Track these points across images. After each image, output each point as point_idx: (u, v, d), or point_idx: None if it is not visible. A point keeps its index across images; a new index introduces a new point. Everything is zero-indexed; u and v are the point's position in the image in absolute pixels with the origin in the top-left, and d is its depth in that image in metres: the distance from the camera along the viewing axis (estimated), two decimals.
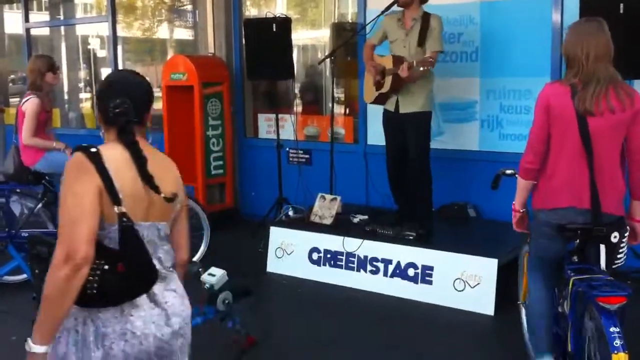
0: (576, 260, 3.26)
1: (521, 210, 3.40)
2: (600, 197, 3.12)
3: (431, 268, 5.05)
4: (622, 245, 3.22)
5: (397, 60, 5.29)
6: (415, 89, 5.37)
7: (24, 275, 5.36)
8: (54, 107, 5.83)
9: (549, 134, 3.18)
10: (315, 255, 5.61)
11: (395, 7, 5.45)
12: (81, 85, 10.16)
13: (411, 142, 5.42)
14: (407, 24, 5.39)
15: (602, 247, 3.17)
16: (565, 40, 3.23)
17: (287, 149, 7.15)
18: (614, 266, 3.21)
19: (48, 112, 5.56)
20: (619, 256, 3.24)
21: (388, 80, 5.38)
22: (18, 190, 5.52)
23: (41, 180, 5.47)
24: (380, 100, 5.55)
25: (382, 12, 5.53)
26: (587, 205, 3.14)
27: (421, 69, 5.07)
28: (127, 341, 2.04)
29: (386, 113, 5.61)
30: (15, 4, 10.43)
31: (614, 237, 3.15)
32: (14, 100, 10.37)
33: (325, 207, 5.83)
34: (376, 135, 6.07)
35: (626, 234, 3.23)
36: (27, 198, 5.53)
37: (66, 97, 10.22)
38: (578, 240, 3.21)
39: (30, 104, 5.36)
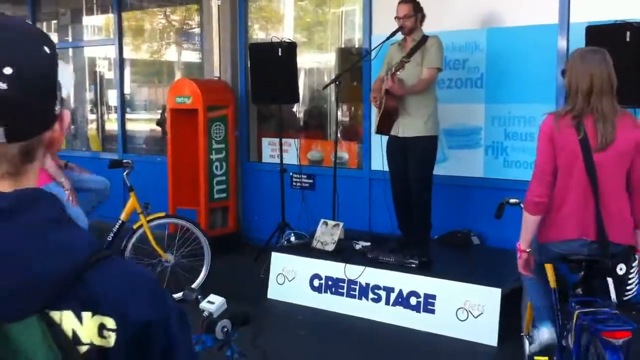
0: (580, 292, 3.19)
1: (527, 250, 3.31)
2: (606, 228, 3.07)
3: (434, 297, 4.98)
4: (630, 277, 3.16)
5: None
6: (413, 112, 5.35)
7: None
8: None
9: (555, 164, 3.14)
10: (316, 282, 5.55)
11: (398, 36, 5.46)
12: (88, 106, 10.18)
13: (412, 166, 5.39)
14: (407, 48, 5.40)
15: (610, 280, 3.10)
16: (568, 70, 3.19)
17: (291, 173, 7.11)
18: (624, 298, 3.14)
19: None
20: (628, 288, 3.17)
21: (383, 99, 5.38)
22: None
23: None
24: (382, 127, 5.49)
25: (387, 39, 5.52)
26: (593, 236, 3.09)
27: (398, 73, 5.08)
28: None
29: (389, 137, 5.58)
30: None
31: (620, 269, 3.09)
32: None
33: (327, 233, 5.78)
34: (380, 160, 6.03)
35: (634, 264, 3.17)
36: None
37: (72, 118, 10.23)
38: (582, 272, 3.16)
39: None
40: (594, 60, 3.09)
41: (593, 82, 3.04)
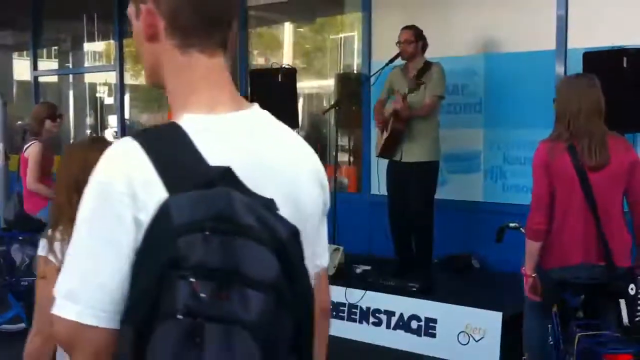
0: (581, 316, 3.20)
1: (533, 275, 3.32)
2: (611, 250, 3.09)
3: (435, 320, 4.97)
4: (639, 297, 3.16)
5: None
6: (417, 137, 5.37)
7: (22, 325, 5.30)
8: (54, 155, 5.84)
9: (553, 191, 3.17)
10: None
11: (400, 60, 5.52)
12: (87, 132, 10.23)
13: (413, 192, 5.40)
14: (410, 75, 5.45)
15: (623, 302, 3.09)
16: (557, 95, 3.24)
17: None
18: (636, 319, 3.12)
19: (51, 158, 5.57)
20: (639, 308, 3.16)
21: (390, 122, 5.41)
22: (20, 238, 5.49)
23: (43, 227, 5.44)
24: (386, 150, 5.53)
25: (386, 65, 5.59)
26: (595, 260, 3.11)
27: (414, 94, 5.14)
28: None
29: (390, 162, 5.60)
30: (24, 52, 10.58)
31: (631, 289, 3.08)
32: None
33: None
34: (380, 184, 6.05)
35: None
36: (28, 246, 5.49)
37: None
38: (583, 296, 3.17)
39: (32, 149, 5.40)
40: (582, 84, 3.15)
41: (581, 103, 3.09)
